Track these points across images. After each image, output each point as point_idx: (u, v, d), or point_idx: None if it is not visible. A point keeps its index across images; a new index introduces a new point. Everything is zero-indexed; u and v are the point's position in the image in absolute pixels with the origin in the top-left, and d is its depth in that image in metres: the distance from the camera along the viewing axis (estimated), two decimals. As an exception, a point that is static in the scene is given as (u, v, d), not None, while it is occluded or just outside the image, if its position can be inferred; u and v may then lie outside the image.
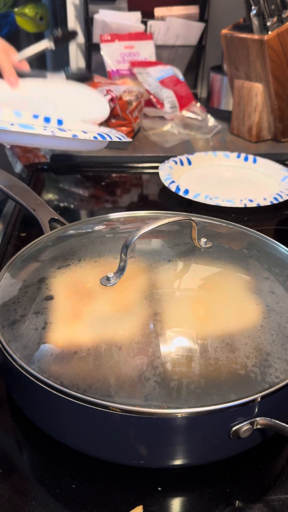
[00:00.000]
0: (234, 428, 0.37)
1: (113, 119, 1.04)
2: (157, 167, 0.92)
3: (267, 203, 0.81)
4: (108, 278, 0.45)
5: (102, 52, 1.21)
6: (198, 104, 1.19)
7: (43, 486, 0.39)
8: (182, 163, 0.95)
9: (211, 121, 1.14)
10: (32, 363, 0.40)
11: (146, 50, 1.24)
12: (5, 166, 0.96)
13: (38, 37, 1.39)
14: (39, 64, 1.51)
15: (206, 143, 1.08)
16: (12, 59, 0.66)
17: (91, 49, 1.28)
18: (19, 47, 0.94)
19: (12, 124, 0.58)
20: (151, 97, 1.15)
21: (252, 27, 0.99)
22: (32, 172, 0.95)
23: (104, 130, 0.74)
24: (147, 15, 1.26)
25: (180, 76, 1.23)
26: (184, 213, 0.56)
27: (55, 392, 0.38)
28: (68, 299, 0.47)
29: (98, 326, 0.44)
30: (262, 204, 0.80)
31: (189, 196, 0.82)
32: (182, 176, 0.93)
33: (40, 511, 0.38)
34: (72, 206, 0.80)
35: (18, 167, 1.02)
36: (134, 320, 0.44)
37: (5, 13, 1.23)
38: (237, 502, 0.39)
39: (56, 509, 0.38)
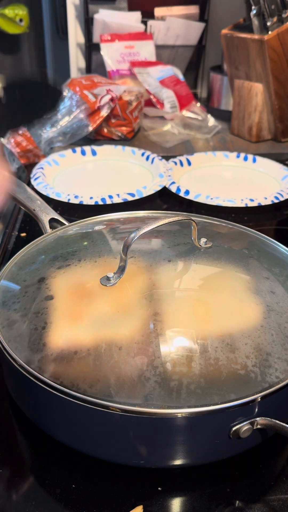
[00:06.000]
0: (234, 428, 0.37)
1: (113, 119, 1.04)
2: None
3: (268, 202, 0.81)
4: (108, 278, 0.45)
5: (102, 52, 1.21)
6: (198, 104, 1.19)
7: (43, 486, 0.39)
8: (182, 164, 0.95)
9: (211, 121, 1.14)
10: (32, 363, 0.40)
11: (146, 50, 1.24)
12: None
13: (16, 38, 1.39)
14: (39, 64, 1.51)
15: (206, 143, 1.08)
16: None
17: (91, 49, 1.28)
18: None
19: None
20: (151, 97, 1.15)
21: (252, 27, 0.99)
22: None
23: None
24: (147, 15, 1.26)
25: (180, 76, 1.23)
26: (184, 213, 0.56)
27: (55, 392, 0.38)
28: (68, 299, 0.47)
29: (98, 326, 0.44)
30: (263, 204, 0.80)
31: (190, 197, 0.82)
32: (182, 177, 0.93)
33: (40, 511, 0.38)
34: (72, 206, 0.80)
35: (14, 166, 1.02)
36: (134, 320, 0.44)
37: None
38: (237, 502, 0.39)
39: (56, 509, 0.38)
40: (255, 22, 0.99)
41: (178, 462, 0.39)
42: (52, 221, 0.59)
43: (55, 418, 0.41)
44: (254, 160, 0.97)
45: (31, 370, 0.39)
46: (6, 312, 0.45)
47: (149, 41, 1.24)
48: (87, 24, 1.25)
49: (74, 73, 1.34)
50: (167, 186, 0.85)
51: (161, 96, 1.15)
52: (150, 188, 0.83)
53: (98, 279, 0.46)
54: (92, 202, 0.79)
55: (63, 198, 0.80)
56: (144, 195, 0.82)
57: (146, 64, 1.21)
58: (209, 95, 1.32)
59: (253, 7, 0.98)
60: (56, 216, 0.60)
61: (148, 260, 0.48)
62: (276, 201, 0.81)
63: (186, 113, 1.16)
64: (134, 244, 0.45)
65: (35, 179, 0.87)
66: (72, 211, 0.80)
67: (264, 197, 0.82)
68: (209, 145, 1.07)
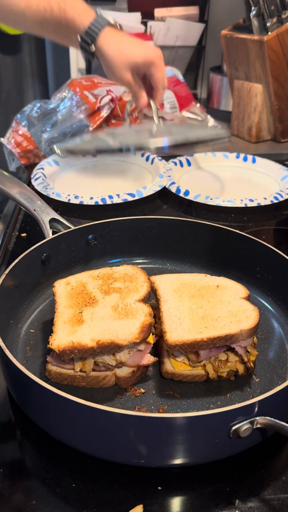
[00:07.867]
0: (234, 428, 0.37)
1: (113, 119, 1.04)
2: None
3: (268, 202, 0.81)
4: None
5: (102, 53, 1.21)
6: (198, 105, 1.19)
7: (43, 486, 0.40)
8: (181, 164, 0.95)
9: (211, 121, 1.14)
10: (33, 363, 0.40)
11: (146, 51, 1.24)
12: (0, 164, 0.95)
13: (16, 38, 1.39)
14: (39, 65, 1.51)
15: (206, 144, 1.08)
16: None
17: (91, 49, 1.27)
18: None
19: None
20: (151, 97, 1.15)
21: (252, 28, 1.00)
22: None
23: None
24: (147, 16, 1.26)
25: (180, 77, 1.23)
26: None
27: (56, 392, 0.38)
28: (70, 302, 0.48)
29: (99, 327, 0.44)
30: (262, 204, 0.80)
31: (190, 197, 0.82)
32: (182, 177, 0.93)
33: (41, 510, 0.38)
34: (72, 206, 0.80)
35: (13, 166, 1.02)
36: (135, 321, 0.44)
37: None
38: (237, 501, 0.39)
39: (57, 508, 0.38)
40: (255, 22, 0.99)
41: (178, 461, 0.39)
42: (53, 221, 0.60)
43: (56, 418, 0.41)
44: (254, 161, 0.97)
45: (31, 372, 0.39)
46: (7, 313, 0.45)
47: (149, 41, 1.24)
48: (87, 24, 1.25)
49: (74, 73, 1.34)
50: (167, 187, 0.85)
51: (161, 97, 1.15)
52: (150, 188, 0.84)
53: (100, 285, 0.46)
54: (92, 202, 0.80)
55: (63, 198, 0.80)
56: (144, 195, 0.82)
57: (146, 64, 1.21)
58: (209, 96, 1.32)
59: (252, 8, 0.98)
60: (57, 216, 0.60)
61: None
62: (275, 201, 0.81)
63: (186, 113, 1.16)
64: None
65: (36, 179, 0.87)
66: (72, 211, 0.80)
67: (263, 197, 0.82)
68: (208, 146, 1.07)
